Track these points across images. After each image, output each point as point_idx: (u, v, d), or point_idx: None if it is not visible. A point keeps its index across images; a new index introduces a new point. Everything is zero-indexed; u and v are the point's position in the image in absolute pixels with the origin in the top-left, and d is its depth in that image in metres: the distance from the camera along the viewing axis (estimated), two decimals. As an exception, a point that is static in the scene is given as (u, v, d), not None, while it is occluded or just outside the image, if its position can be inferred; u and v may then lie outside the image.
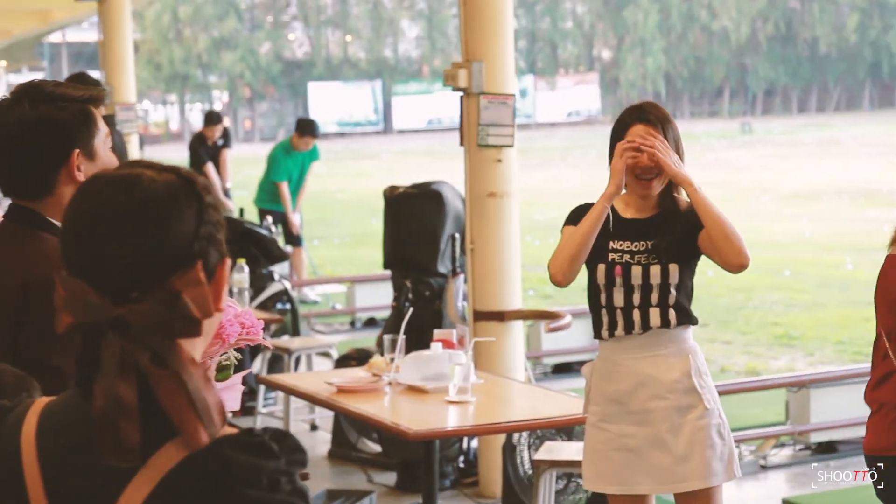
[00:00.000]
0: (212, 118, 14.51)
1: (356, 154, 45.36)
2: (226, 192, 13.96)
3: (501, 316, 6.75)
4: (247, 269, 7.90)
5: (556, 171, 33.71)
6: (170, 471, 1.55)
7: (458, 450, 6.98)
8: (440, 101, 56.04)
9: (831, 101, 69.15)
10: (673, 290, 4.14)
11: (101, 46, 12.10)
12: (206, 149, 13.95)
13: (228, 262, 1.71)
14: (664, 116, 4.25)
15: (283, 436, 1.58)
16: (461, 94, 6.81)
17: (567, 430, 5.95)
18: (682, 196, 4.27)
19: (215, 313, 1.65)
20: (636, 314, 4.14)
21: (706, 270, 15.87)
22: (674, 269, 4.16)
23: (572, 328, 8.95)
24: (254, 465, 1.53)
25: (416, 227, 7.82)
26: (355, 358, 7.49)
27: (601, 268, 4.21)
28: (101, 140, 2.93)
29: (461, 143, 6.87)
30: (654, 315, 4.14)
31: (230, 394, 2.40)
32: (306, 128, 12.87)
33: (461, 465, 7.02)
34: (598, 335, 4.30)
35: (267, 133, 62.26)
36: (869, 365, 4.12)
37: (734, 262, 4.12)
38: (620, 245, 4.21)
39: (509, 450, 6.19)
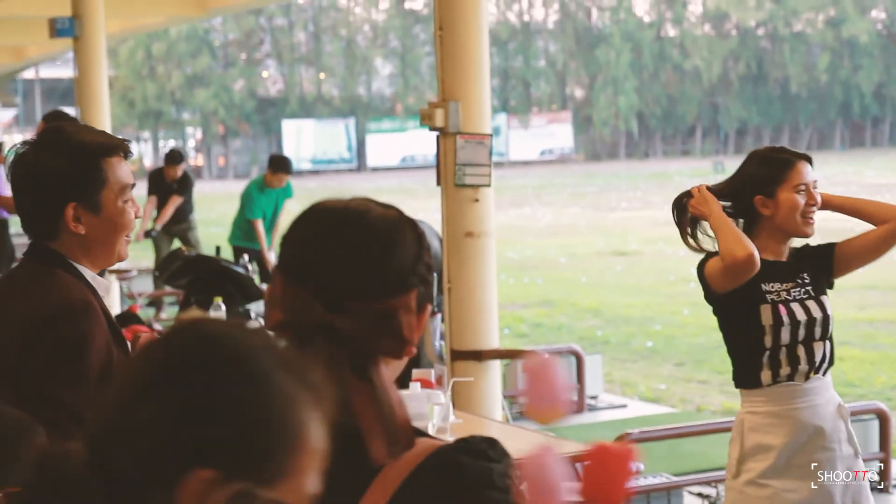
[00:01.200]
0: (173, 157, 14.38)
1: (330, 191, 44.39)
2: (148, 233, 13.78)
3: (479, 355, 6.74)
4: (223, 307, 7.87)
5: (529, 210, 33.77)
6: (408, 475, 1.64)
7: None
8: (414, 139, 56.16)
9: (802, 140, 69.49)
10: (832, 322, 4.05)
11: (76, 83, 12.07)
12: (163, 186, 13.87)
13: (430, 308, 1.81)
14: None
15: (494, 442, 1.69)
16: (438, 133, 6.81)
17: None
18: None
19: (407, 350, 1.75)
20: (801, 350, 3.98)
21: (682, 310, 15.91)
22: (826, 300, 4.07)
23: (548, 367, 8.96)
24: (486, 468, 1.64)
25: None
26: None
27: (766, 308, 3.99)
28: (114, 192, 2.85)
29: (438, 183, 6.87)
30: (818, 350, 3.99)
31: None
32: (279, 164, 12.84)
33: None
34: (754, 382, 4.05)
35: (241, 170, 62.24)
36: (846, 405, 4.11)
37: (891, 216, 4.04)
38: (773, 287, 4.03)
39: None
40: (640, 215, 30.82)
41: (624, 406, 10.00)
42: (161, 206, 13.81)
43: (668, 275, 18.79)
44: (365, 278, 1.71)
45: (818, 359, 3.98)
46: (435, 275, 5.91)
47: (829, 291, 4.14)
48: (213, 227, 15.22)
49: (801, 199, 4.01)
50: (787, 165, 4.03)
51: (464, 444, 1.67)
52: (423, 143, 49.94)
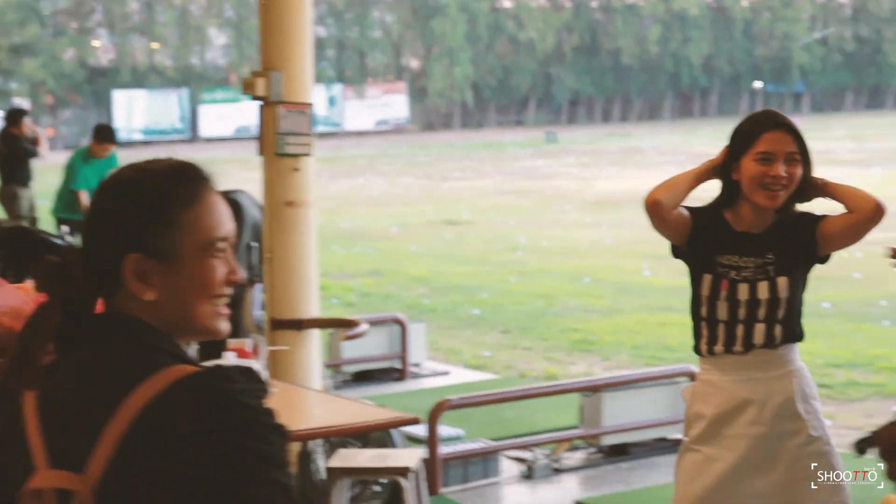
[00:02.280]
0: (17, 114, 14.23)
1: (162, 162, 44.57)
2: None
3: (299, 324, 6.74)
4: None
5: (363, 180, 33.76)
6: (158, 394, 1.73)
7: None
8: (248, 110, 55.64)
9: (633, 111, 70.72)
10: (783, 305, 3.95)
11: None
12: (24, 144, 13.79)
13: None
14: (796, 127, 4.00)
15: (248, 370, 1.79)
16: (260, 102, 6.80)
17: (362, 436, 5.99)
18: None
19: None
20: (739, 329, 3.96)
21: (509, 278, 16.09)
22: (783, 282, 3.95)
23: (371, 336, 9.00)
24: (235, 389, 1.74)
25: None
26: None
27: (707, 278, 4.01)
28: None
29: (260, 152, 6.86)
30: (759, 331, 3.95)
31: None
32: (104, 134, 12.64)
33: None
34: (696, 349, 4.10)
35: (70, 141, 60.81)
36: (660, 369, 4.16)
37: (869, 209, 3.91)
38: (728, 260, 3.99)
39: (304, 458, 6.19)
40: (473, 185, 31.03)
41: (447, 373, 10.11)
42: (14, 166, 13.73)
43: (497, 244, 18.97)
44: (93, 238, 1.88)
45: (757, 340, 3.95)
46: (256, 245, 5.88)
47: (814, 266, 4.07)
48: (41, 199, 14.91)
49: (761, 168, 3.91)
50: (754, 133, 3.94)
51: (217, 369, 1.75)
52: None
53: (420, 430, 7.00)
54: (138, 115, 59.77)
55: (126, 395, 1.72)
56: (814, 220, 4.01)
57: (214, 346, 5.90)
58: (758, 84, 73.04)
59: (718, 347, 4.00)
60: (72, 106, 64.12)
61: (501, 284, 15.27)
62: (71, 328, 1.84)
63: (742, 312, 3.95)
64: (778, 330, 3.96)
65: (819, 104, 73.79)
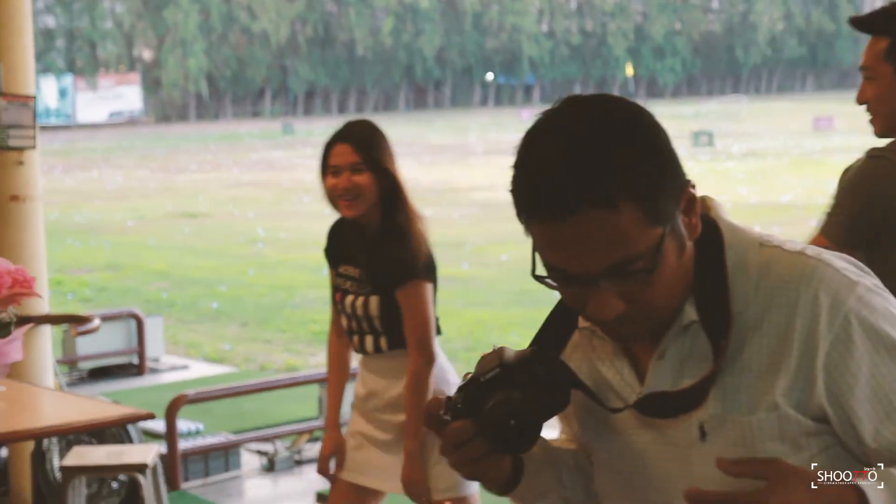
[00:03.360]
0: None
1: None
2: None
3: (28, 321, 6.55)
4: None
5: (97, 173, 33.00)
6: None
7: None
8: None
9: (369, 102, 71.16)
10: (377, 321, 3.99)
11: None
12: None
13: None
14: (368, 136, 3.97)
15: None
16: (-17, 94, 6.58)
17: (98, 434, 5.87)
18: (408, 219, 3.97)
19: None
20: (356, 339, 4.05)
21: (248, 270, 15.98)
22: (375, 301, 3.97)
23: (107, 332, 8.83)
24: None
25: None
26: None
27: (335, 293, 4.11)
28: None
29: (-19, 145, 6.64)
30: (368, 341, 4.03)
31: (14, 345, 2.46)
32: None
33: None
34: None
35: None
36: None
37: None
38: (347, 270, 4.05)
39: (38, 457, 6.03)
40: (211, 177, 30.72)
41: (186, 367, 9.99)
42: None
43: (236, 236, 18.83)
44: None
45: (369, 349, 4.03)
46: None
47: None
48: None
49: (330, 181, 3.96)
50: (327, 149, 4.00)
51: None
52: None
53: (159, 426, 6.91)
54: None
55: None
56: (395, 280, 3.95)
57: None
58: (489, 76, 74.49)
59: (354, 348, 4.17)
60: None
61: (241, 277, 15.16)
62: None
63: (354, 325, 4.03)
64: (383, 341, 4.02)
65: (549, 96, 75.72)
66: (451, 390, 4.08)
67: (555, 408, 1.61)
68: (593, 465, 1.76)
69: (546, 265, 1.53)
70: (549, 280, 1.54)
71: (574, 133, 1.48)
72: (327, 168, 3.98)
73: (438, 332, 4.05)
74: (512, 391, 1.58)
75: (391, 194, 3.95)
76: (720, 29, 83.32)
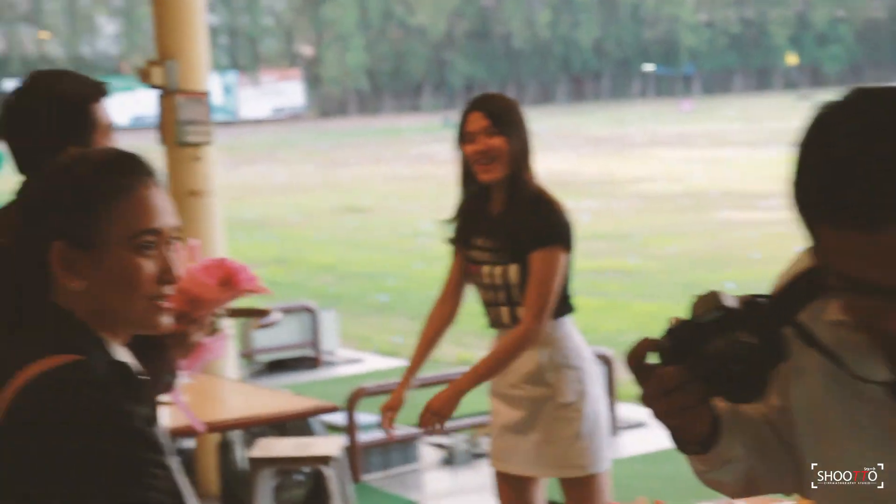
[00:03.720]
0: None
1: (53, 154, 43.95)
2: None
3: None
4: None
5: (263, 168, 33.54)
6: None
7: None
8: (143, 99, 54.95)
9: (527, 94, 71.07)
10: (516, 290, 4.00)
11: None
12: None
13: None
14: (498, 102, 4.09)
15: (124, 365, 1.78)
16: (160, 91, 6.72)
17: (280, 426, 5.94)
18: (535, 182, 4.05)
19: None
20: (492, 313, 4.08)
21: (414, 264, 15.98)
22: (514, 270, 4.00)
23: (282, 325, 8.93)
24: (105, 382, 1.69)
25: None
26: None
27: (466, 264, 4.17)
28: None
29: (161, 142, 6.78)
30: (504, 312, 4.05)
31: (223, 342, 2.51)
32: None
33: (177, 466, 6.90)
34: None
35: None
36: None
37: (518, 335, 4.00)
38: (482, 242, 4.09)
39: (224, 448, 6.13)
40: (373, 171, 30.97)
41: (360, 361, 10.07)
42: None
43: (400, 229, 18.96)
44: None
45: (506, 321, 4.06)
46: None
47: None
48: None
49: (468, 148, 4.06)
50: (462, 120, 4.11)
51: (79, 363, 1.71)
52: (152, 102, 49.00)
53: (338, 419, 6.96)
54: (29, 106, 58.81)
55: (11, 377, 1.70)
56: (532, 242, 3.97)
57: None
58: (649, 67, 73.81)
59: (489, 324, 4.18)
60: (-40, 99, 62.93)
61: (406, 270, 15.25)
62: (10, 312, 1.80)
63: (491, 296, 4.08)
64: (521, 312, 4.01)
65: (709, 86, 74.75)
66: (587, 367, 4.10)
67: (779, 357, 1.49)
68: (799, 437, 1.66)
69: (833, 270, 1.43)
70: (834, 288, 1.43)
71: (876, 136, 1.36)
72: (464, 136, 4.07)
73: (571, 309, 4.06)
74: (736, 335, 1.48)
75: (522, 158, 4.02)
76: (884, 15, 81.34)
